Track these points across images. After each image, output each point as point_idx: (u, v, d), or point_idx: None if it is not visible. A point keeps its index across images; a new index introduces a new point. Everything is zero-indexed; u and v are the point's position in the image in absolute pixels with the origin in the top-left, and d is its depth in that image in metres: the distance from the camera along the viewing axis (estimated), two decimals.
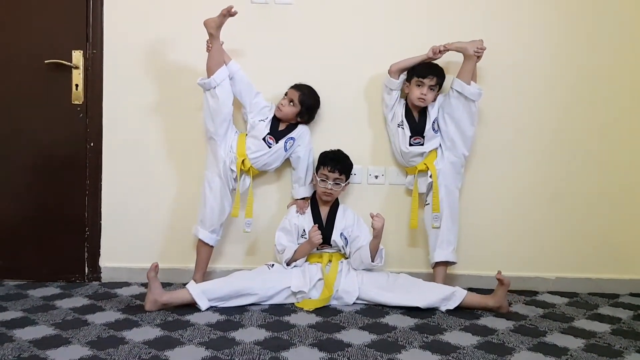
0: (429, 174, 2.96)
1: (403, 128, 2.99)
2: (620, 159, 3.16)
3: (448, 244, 2.97)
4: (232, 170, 2.92)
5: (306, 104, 2.95)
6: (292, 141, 2.97)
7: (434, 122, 2.99)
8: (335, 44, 3.08)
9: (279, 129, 2.97)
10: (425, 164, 2.98)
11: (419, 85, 2.92)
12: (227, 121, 2.91)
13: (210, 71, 2.80)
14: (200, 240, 2.97)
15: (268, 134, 2.93)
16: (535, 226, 3.16)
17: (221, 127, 2.89)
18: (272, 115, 2.97)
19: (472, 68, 2.91)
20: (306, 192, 3.02)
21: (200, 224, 2.96)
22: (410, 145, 2.98)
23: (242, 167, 2.92)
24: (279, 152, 2.95)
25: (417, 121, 2.99)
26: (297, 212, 2.97)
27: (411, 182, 3.07)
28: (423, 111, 3.01)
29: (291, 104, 2.93)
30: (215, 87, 2.80)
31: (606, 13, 3.10)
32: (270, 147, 2.93)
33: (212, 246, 2.99)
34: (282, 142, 2.94)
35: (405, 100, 3.03)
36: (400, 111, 3.01)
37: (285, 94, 2.97)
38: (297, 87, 2.96)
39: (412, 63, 2.94)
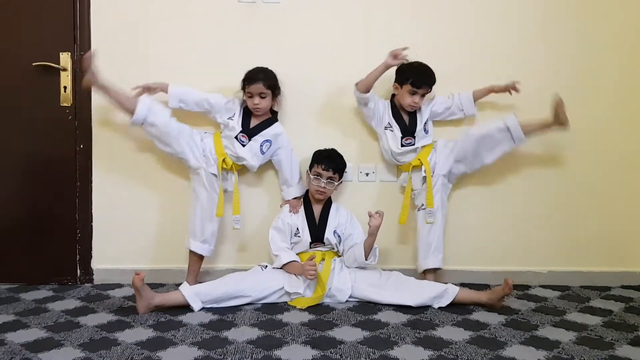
0: (423, 170, 2.96)
1: (392, 130, 2.99)
2: (611, 154, 3.17)
3: (439, 252, 3.00)
4: (214, 175, 2.89)
5: (272, 86, 2.91)
6: (268, 144, 2.93)
7: (425, 122, 2.99)
8: (323, 43, 3.09)
9: (250, 125, 2.92)
10: (419, 159, 2.98)
11: (412, 94, 2.91)
12: (180, 136, 2.86)
13: (129, 111, 2.77)
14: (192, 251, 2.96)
15: (240, 131, 2.89)
16: (527, 220, 3.18)
17: (178, 144, 2.86)
18: (239, 109, 2.93)
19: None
20: (297, 191, 3.01)
21: (192, 235, 2.93)
22: (402, 146, 2.98)
23: (225, 166, 2.90)
24: (256, 153, 2.92)
25: (407, 123, 2.98)
26: (290, 211, 2.97)
27: (405, 179, 3.06)
28: (413, 112, 3.01)
29: (263, 96, 2.88)
30: (144, 121, 2.77)
31: (601, 11, 3.12)
32: (244, 146, 2.89)
33: (204, 256, 2.99)
34: (256, 142, 2.90)
35: (392, 101, 3.02)
36: (387, 113, 3.00)
37: (248, 94, 2.87)
38: (254, 79, 2.86)
39: (377, 76, 2.85)
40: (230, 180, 2.96)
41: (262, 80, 2.87)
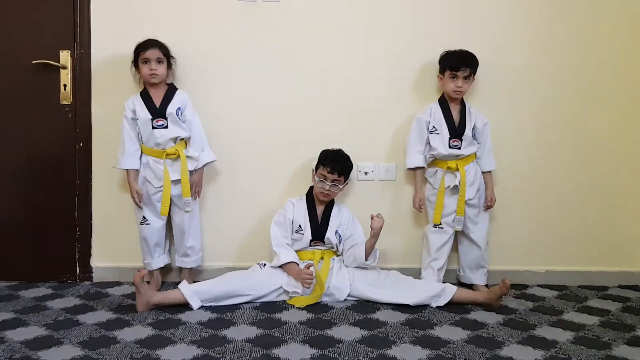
0: (458, 178, 2.92)
1: (438, 133, 2.93)
2: (609, 154, 3.18)
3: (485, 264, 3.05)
4: (154, 191, 2.89)
5: (167, 54, 2.87)
6: (180, 110, 2.88)
7: (473, 127, 2.95)
8: (323, 42, 3.08)
9: (157, 105, 2.85)
10: (456, 163, 2.93)
11: (453, 78, 2.90)
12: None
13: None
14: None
15: (151, 119, 2.84)
16: (525, 220, 3.18)
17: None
18: (138, 99, 2.86)
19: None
20: (209, 156, 2.94)
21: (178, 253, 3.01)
22: (450, 147, 2.93)
23: (172, 157, 2.85)
24: (179, 124, 2.86)
25: (456, 124, 2.93)
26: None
27: (432, 174, 3.01)
28: (462, 112, 2.96)
29: (159, 62, 2.83)
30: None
31: (604, 14, 3.12)
32: (167, 127, 2.84)
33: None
34: (172, 115, 2.83)
35: (441, 98, 2.99)
36: (437, 116, 2.95)
37: (144, 61, 2.81)
38: (150, 44, 2.83)
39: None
40: (179, 168, 2.88)
41: (157, 46, 2.83)
